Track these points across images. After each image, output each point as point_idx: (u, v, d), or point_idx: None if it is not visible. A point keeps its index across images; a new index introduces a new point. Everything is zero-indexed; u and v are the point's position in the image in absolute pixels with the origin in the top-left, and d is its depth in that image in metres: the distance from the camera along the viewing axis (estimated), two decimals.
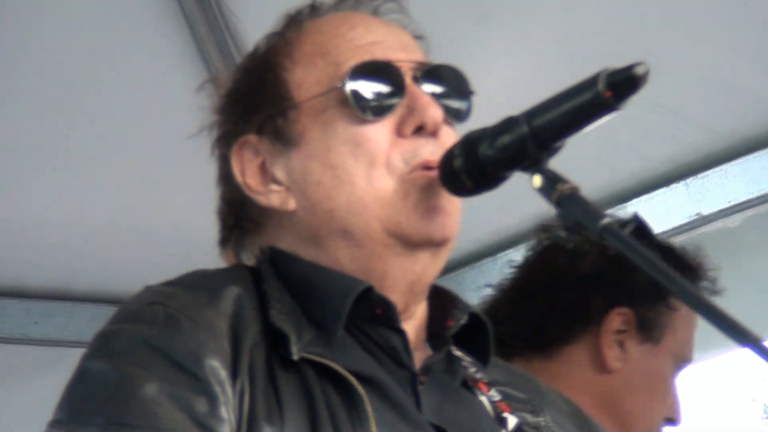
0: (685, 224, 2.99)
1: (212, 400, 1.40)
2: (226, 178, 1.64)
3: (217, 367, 1.42)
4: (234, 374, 1.43)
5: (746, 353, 1.20)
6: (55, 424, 1.43)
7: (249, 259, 1.63)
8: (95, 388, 1.43)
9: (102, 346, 1.48)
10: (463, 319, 1.58)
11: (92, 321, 3.36)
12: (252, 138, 1.59)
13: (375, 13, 1.64)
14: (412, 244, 1.53)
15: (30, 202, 3.13)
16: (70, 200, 3.14)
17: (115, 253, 3.30)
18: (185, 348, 1.43)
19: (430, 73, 1.57)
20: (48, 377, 3.33)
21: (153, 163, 3.03)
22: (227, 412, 1.40)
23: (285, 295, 1.53)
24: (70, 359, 1.65)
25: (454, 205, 1.54)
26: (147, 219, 3.18)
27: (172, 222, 3.15)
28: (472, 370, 1.65)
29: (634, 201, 3.02)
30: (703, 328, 2.97)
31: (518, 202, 2.78)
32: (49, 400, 1.52)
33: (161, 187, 3.10)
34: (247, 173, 1.60)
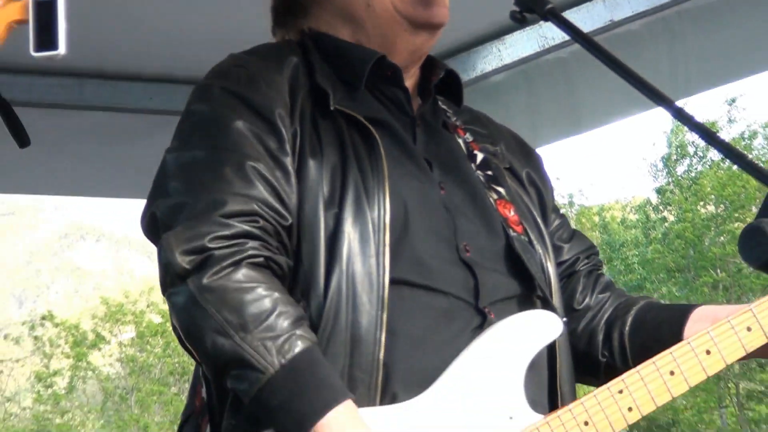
0: (601, 27, 3.45)
1: (280, 140, 1.61)
2: None
3: (283, 115, 1.62)
4: (291, 120, 1.62)
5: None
6: (170, 150, 1.65)
7: (294, 37, 1.85)
8: (198, 123, 1.65)
9: (201, 94, 1.68)
10: (442, 74, 1.85)
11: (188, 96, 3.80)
12: None
13: None
14: (416, 24, 1.78)
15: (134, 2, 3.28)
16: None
17: (211, 46, 3.08)
18: (261, 100, 1.63)
19: None
20: (158, 138, 2.91)
21: None
22: (290, 148, 1.60)
23: (324, 63, 1.75)
24: (174, 125, 1.75)
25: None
26: (227, 22, 3.32)
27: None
28: (453, 119, 1.89)
29: (567, 11, 3.42)
30: (603, 97, 3.56)
31: (484, 8, 3.27)
32: (159, 155, 1.71)
33: None
34: None
